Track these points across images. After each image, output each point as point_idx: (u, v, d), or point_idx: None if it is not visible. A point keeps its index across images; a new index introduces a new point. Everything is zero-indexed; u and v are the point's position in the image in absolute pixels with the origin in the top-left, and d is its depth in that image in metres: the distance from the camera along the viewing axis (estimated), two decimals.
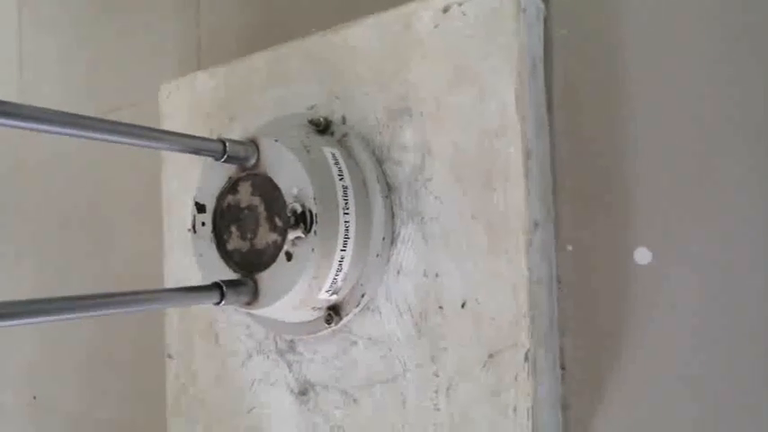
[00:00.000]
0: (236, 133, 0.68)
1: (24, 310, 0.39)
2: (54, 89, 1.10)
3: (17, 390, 1.12)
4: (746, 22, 0.49)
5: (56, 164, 1.08)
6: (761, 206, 0.48)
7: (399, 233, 0.57)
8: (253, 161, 0.54)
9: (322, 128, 0.59)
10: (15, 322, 0.39)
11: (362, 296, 0.57)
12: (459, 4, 0.53)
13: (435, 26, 0.55)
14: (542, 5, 0.56)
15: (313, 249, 0.51)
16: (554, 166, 0.56)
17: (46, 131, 0.42)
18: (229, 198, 0.57)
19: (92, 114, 0.44)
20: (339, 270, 0.54)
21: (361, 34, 0.59)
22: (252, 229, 0.55)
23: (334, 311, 0.58)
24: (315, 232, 0.51)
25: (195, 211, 0.58)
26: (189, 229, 0.59)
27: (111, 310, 0.45)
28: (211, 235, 0.57)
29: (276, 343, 0.65)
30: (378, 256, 0.56)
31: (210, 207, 0.58)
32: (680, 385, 0.51)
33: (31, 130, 0.41)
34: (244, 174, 0.56)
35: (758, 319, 0.48)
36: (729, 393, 0.49)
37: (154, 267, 0.78)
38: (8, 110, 0.39)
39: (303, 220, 0.52)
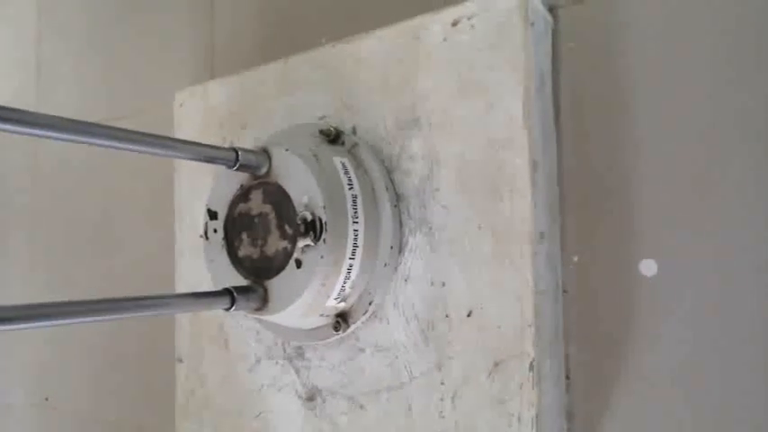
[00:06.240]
0: (247, 141, 0.69)
1: (35, 314, 0.40)
2: (69, 93, 1.12)
3: (29, 390, 1.14)
4: (754, 37, 0.50)
5: (68, 168, 1.10)
6: (766, 219, 0.49)
7: (407, 242, 0.57)
8: (264, 169, 0.55)
9: (332, 138, 0.60)
10: (26, 325, 0.40)
11: (370, 304, 0.58)
12: (468, 18, 0.54)
13: (444, 39, 0.56)
14: (550, 19, 0.57)
15: (322, 257, 0.52)
16: (561, 178, 0.57)
17: (60, 140, 0.43)
18: (241, 206, 0.58)
19: (106, 119, 0.45)
20: (347, 278, 0.55)
21: (371, 46, 0.60)
22: (262, 237, 0.56)
23: (341, 319, 0.59)
24: (324, 240, 0.52)
25: (207, 218, 0.60)
26: (201, 236, 0.60)
27: (123, 315, 0.46)
28: (223, 242, 0.58)
29: (285, 349, 0.65)
30: (386, 264, 0.57)
31: (222, 214, 0.59)
32: (684, 395, 0.51)
33: (46, 138, 0.42)
34: (255, 182, 0.57)
35: (763, 330, 0.48)
36: (732, 404, 0.49)
37: (164, 271, 0.79)
38: (24, 118, 0.40)
39: (313, 228, 0.53)
